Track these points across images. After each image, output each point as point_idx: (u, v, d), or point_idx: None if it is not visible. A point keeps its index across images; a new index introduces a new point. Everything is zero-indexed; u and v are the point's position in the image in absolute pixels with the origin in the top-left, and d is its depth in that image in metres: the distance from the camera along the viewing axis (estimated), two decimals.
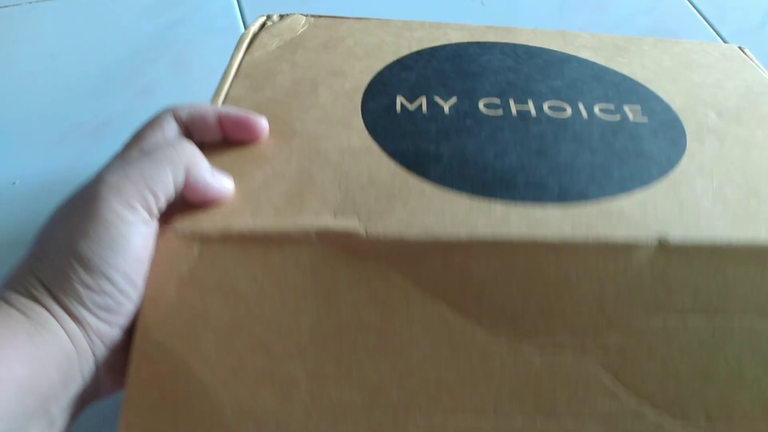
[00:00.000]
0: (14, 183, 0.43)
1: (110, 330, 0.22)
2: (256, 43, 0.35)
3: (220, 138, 0.28)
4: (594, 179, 0.26)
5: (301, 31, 0.37)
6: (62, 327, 0.21)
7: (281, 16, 0.38)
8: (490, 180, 0.26)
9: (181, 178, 0.24)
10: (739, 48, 0.39)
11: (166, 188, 0.23)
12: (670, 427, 0.22)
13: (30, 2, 0.59)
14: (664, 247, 0.23)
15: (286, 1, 0.60)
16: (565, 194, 0.25)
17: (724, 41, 0.59)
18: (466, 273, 0.23)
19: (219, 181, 0.25)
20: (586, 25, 0.60)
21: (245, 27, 0.57)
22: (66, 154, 0.45)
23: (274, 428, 0.22)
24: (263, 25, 0.37)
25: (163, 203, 0.24)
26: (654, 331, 0.23)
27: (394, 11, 0.59)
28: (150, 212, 0.23)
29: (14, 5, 0.59)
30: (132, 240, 0.22)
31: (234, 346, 0.23)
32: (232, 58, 0.34)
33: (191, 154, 0.25)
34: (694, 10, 0.63)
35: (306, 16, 0.38)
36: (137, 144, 0.27)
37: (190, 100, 0.49)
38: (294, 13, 0.38)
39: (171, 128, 0.27)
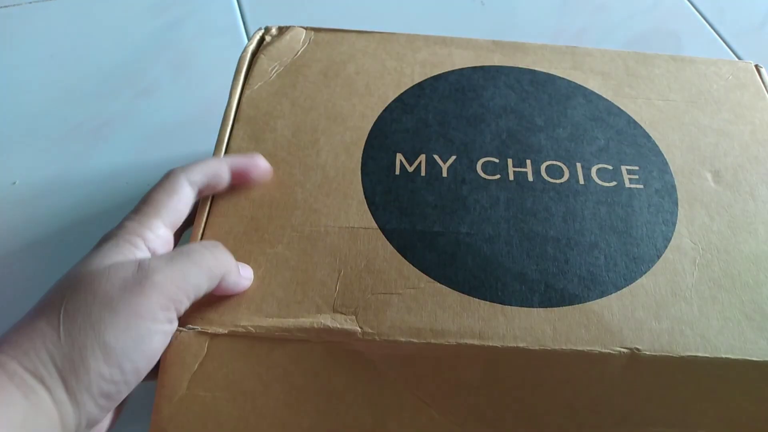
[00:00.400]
0: (14, 183, 0.44)
1: (99, 413, 0.23)
2: (255, 69, 0.35)
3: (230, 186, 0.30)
4: (579, 277, 0.28)
5: (301, 51, 0.36)
6: (58, 412, 0.21)
7: (280, 30, 0.37)
8: (480, 274, 0.27)
9: (214, 286, 0.25)
10: (755, 67, 0.37)
11: (198, 294, 0.25)
12: None
13: (30, 2, 0.57)
14: (636, 358, 0.25)
15: (287, 1, 0.58)
16: (550, 296, 0.27)
17: (724, 41, 0.57)
18: (454, 376, 0.26)
19: (245, 279, 0.27)
20: (586, 26, 0.57)
21: (245, 27, 0.56)
22: (66, 154, 0.46)
23: None
24: (262, 41, 0.36)
25: (189, 305, 0.25)
26: None
27: (396, 12, 0.58)
28: (178, 313, 0.25)
29: (14, 5, 0.57)
30: (156, 338, 0.24)
31: None
32: (232, 89, 0.34)
33: (228, 262, 0.26)
34: (694, 10, 0.60)
35: (306, 29, 0.37)
36: (154, 210, 0.27)
37: (190, 100, 0.51)
38: (293, 26, 0.37)
39: (186, 194, 0.28)
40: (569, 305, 0.27)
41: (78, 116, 0.48)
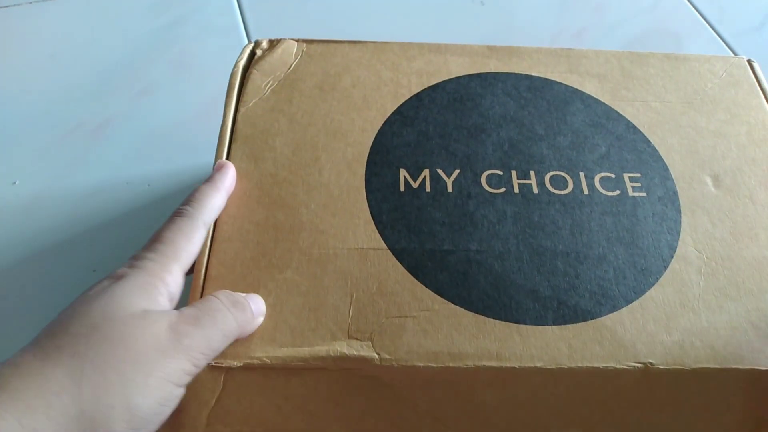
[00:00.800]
0: (14, 183, 0.44)
1: None
2: (249, 86, 0.34)
3: None
4: (590, 292, 0.28)
5: (294, 64, 0.35)
6: None
7: (271, 43, 0.36)
8: (493, 293, 0.27)
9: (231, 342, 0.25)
10: (748, 62, 0.37)
11: (215, 355, 0.24)
12: None
13: (30, 2, 0.56)
14: (649, 372, 0.26)
15: (287, 2, 0.57)
16: (563, 313, 0.27)
17: (724, 41, 0.57)
18: (473, 399, 0.26)
19: (258, 319, 0.26)
20: (586, 26, 0.57)
21: (245, 27, 0.55)
22: (66, 154, 0.45)
23: None
24: (252, 55, 0.35)
25: None
26: None
27: (396, 12, 0.57)
28: (198, 370, 0.24)
29: (14, 5, 0.56)
30: (175, 402, 0.23)
31: None
32: (226, 107, 0.33)
33: (247, 320, 0.25)
34: (694, 10, 0.60)
35: (298, 41, 0.36)
36: (174, 253, 0.26)
37: (190, 100, 0.50)
38: (285, 39, 0.36)
39: (200, 237, 0.27)
40: (582, 321, 0.27)
41: (78, 116, 0.48)
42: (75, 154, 0.45)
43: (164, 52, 0.52)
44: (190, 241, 0.26)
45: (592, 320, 0.27)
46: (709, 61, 0.37)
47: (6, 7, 0.56)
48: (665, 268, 0.29)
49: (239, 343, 0.26)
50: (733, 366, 0.26)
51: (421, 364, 0.26)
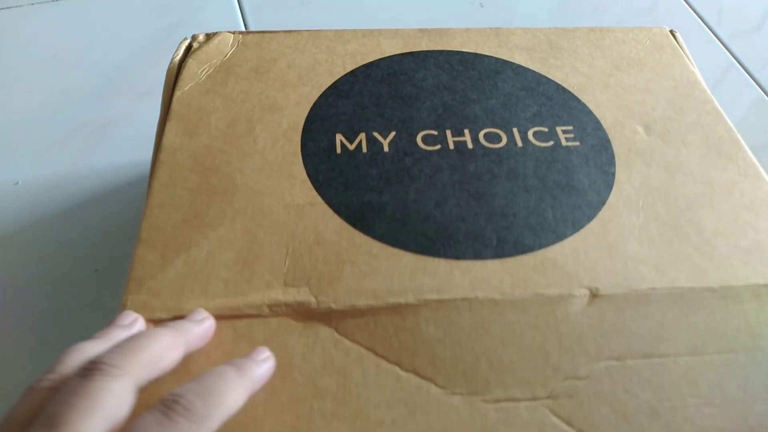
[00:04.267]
0: (17, 183, 0.43)
1: None
2: (185, 73, 0.34)
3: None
4: (530, 227, 0.28)
5: (230, 53, 0.35)
6: None
7: (208, 36, 0.36)
8: (432, 235, 0.27)
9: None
10: (670, 32, 0.39)
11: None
12: None
13: (32, 3, 0.57)
14: (595, 297, 0.25)
15: (286, 1, 0.59)
16: (503, 247, 0.27)
17: (722, 42, 0.59)
18: (417, 333, 0.25)
19: (207, 322, 0.24)
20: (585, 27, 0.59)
21: (246, 29, 0.56)
22: (68, 155, 0.45)
23: None
24: (189, 49, 0.36)
25: None
26: (598, 376, 0.25)
27: (396, 12, 0.59)
28: None
29: (16, 6, 0.57)
30: None
31: None
32: (163, 96, 0.33)
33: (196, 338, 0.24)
34: (692, 11, 0.63)
35: (234, 33, 0.37)
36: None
37: None
38: (221, 32, 0.37)
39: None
40: (523, 254, 0.26)
41: (80, 117, 0.48)
42: (77, 155, 0.45)
43: (166, 53, 0.52)
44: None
45: (533, 252, 0.27)
46: (633, 32, 0.39)
47: (8, 8, 0.56)
48: (603, 204, 0.29)
49: (169, 296, 0.25)
50: (683, 285, 0.26)
51: (360, 303, 0.25)
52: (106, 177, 0.44)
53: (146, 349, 0.21)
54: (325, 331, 0.25)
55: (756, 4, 0.64)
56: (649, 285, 0.26)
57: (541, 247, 0.27)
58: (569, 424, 0.24)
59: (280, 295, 0.25)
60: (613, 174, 0.30)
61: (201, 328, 0.24)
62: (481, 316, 0.25)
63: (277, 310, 0.25)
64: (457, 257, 0.26)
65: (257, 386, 0.23)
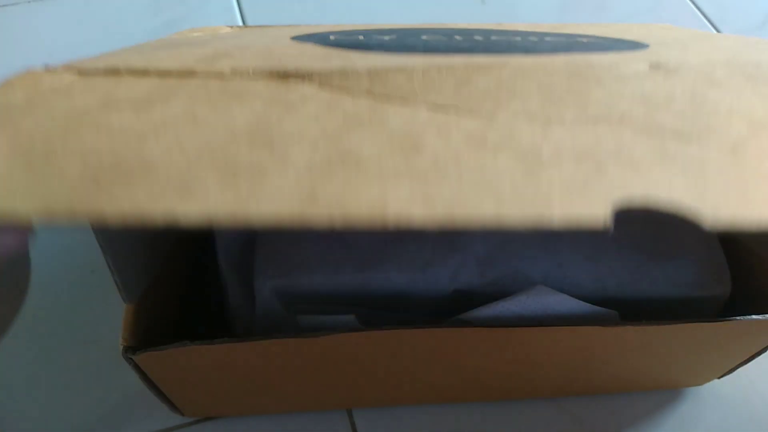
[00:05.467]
0: None
1: None
2: None
3: None
4: None
5: None
6: None
7: (205, 31, 0.35)
8: None
9: None
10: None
11: None
12: None
13: (28, 2, 0.56)
14: None
15: (286, 1, 0.59)
16: None
17: None
18: None
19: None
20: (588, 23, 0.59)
21: (243, 23, 0.56)
22: None
23: None
24: None
25: None
26: None
27: (396, 11, 0.58)
28: None
29: (12, 4, 0.56)
30: None
31: None
32: None
33: None
34: (696, 9, 0.62)
35: (231, 28, 0.36)
36: None
37: None
38: (219, 27, 0.36)
39: None
40: None
41: None
42: None
43: None
44: None
45: None
46: (635, 28, 0.38)
47: (4, 6, 0.56)
48: None
49: None
50: None
51: None
52: None
53: None
54: None
55: (759, 1, 0.64)
56: None
57: None
58: None
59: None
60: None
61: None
62: None
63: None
64: None
65: None
